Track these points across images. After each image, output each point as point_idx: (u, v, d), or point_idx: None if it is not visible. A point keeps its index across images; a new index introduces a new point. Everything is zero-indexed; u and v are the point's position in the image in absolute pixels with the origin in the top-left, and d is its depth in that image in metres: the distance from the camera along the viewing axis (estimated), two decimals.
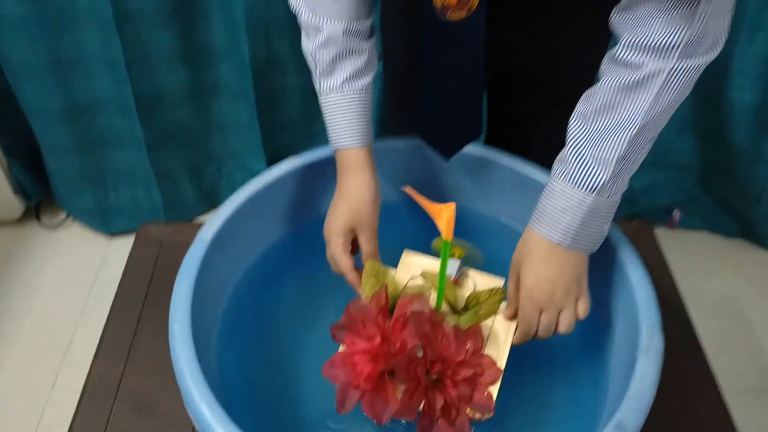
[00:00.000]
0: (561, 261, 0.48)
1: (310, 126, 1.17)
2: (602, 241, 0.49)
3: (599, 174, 0.46)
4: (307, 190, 0.62)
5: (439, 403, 0.47)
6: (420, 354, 0.47)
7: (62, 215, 1.26)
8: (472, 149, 0.62)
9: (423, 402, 0.47)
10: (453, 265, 0.55)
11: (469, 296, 0.53)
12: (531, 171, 0.60)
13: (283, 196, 0.60)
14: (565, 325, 0.49)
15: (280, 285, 0.60)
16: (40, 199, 1.26)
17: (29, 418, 0.95)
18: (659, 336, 0.46)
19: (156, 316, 0.63)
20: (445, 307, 0.53)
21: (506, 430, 0.50)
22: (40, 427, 0.93)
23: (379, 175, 0.56)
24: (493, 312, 0.53)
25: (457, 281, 0.55)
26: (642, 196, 1.16)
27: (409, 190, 0.46)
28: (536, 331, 0.50)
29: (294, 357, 0.55)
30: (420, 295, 0.51)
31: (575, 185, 0.46)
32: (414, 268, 0.56)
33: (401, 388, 0.46)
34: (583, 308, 0.49)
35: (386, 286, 0.51)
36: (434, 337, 0.49)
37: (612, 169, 0.46)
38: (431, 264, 0.56)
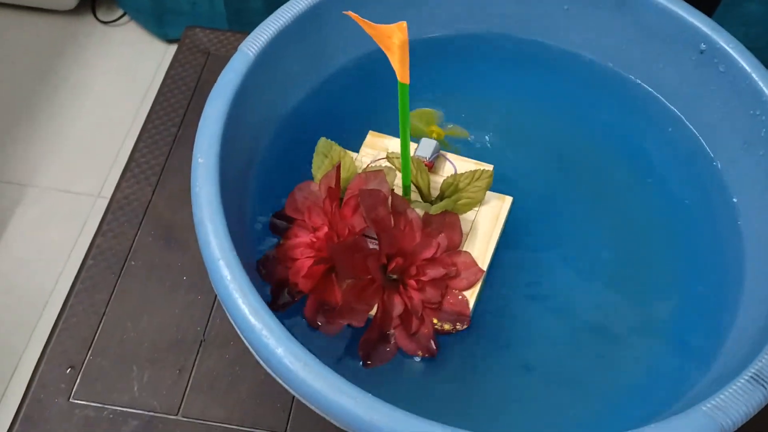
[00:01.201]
0: None
1: None
2: None
3: None
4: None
5: (398, 309, 0.37)
6: (374, 246, 0.37)
7: (119, 12, 1.16)
8: None
9: (376, 308, 0.37)
10: (428, 145, 0.42)
11: (445, 182, 0.41)
12: None
13: (363, 5, 0.47)
14: None
15: (352, 116, 0.49)
16: None
17: (73, 224, 0.92)
18: None
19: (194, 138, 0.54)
20: (415, 196, 0.41)
21: (559, 376, 0.39)
22: (82, 235, 0.91)
23: None
24: (477, 201, 0.41)
25: (432, 165, 0.43)
26: None
27: (353, 15, 0.32)
28: None
29: None
30: (378, 171, 0.40)
31: None
32: (379, 152, 0.44)
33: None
34: None
35: (338, 166, 0.39)
36: (393, 225, 0.38)
37: None
38: (398, 147, 0.43)
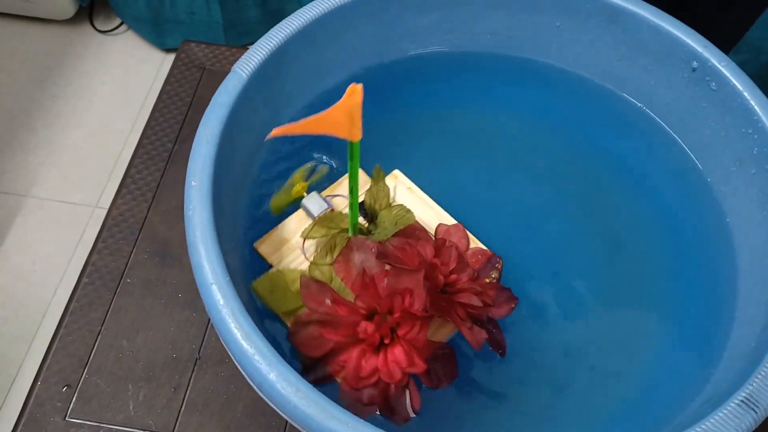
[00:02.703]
0: None
1: None
2: None
3: None
4: (393, 17, 0.48)
5: (474, 299, 0.37)
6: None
7: (116, 21, 1.17)
8: None
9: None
10: (314, 201, 0.41)
11: (366, 205, 0.41)
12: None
13: (356, 24, 0.47)
14: None
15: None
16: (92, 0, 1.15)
17: (71, 235, 0.92)
18: None
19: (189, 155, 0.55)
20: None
21: (550, 396, 0.39)
22: (80, 246, 0.91)
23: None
24: (388, 192, 0.43)
25: (333, 210, 0.42)
26: None
27: (277, 131, 0.30)
28: None
29: None
30: (349, 242, 0.38)
31: None
32: (288, 248, 0.41)
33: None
34: None
35: (309, 282, 0.37)
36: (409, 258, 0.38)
37: None
38: (294, 226, 0.42)
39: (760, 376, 0.31)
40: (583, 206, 0.46)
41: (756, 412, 0.31)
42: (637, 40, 0.46)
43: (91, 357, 0.46)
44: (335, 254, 0.40)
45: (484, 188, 0.47)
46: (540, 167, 0.48)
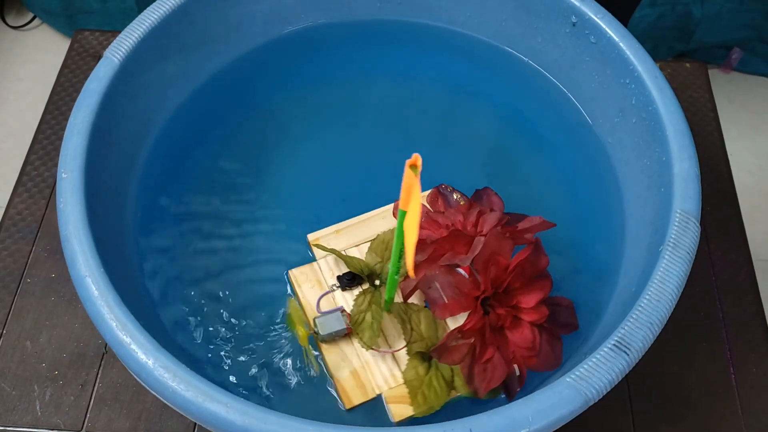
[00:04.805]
0: None
1: None
2: None
3: None
4: None
5: (492, 217, 0.39)
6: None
7: (29, 16, 1.12)
8: None
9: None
10: (334, 321, 0.39)
11: (361, 274, 0.40)
12: None
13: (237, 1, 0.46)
14: None
15: (239, 123, 0.48)
16: None
17: None
18: (695, 228, 0.35)
19: None
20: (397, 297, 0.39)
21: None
22: None
23: None
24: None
25: (351, 330, 0.39)
26: (699, 26, 0.97)
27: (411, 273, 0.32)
28: None
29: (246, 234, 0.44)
30: (400, 308, 0.38)
31: None
32: (369, 371, 0.38)
33: None
34: None
35: (434, 352, 0.36)
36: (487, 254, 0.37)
37: None
38: (343, 358, 0.39)
39: (632, 319, 0.32)
40: (487, 167, 0.46)
41: (628, 355, 0.31)
42: None
43: None
44: (420, 318, 0.38)
45: (388, 154, 0.47)
46: (443, 130, 0.48)
